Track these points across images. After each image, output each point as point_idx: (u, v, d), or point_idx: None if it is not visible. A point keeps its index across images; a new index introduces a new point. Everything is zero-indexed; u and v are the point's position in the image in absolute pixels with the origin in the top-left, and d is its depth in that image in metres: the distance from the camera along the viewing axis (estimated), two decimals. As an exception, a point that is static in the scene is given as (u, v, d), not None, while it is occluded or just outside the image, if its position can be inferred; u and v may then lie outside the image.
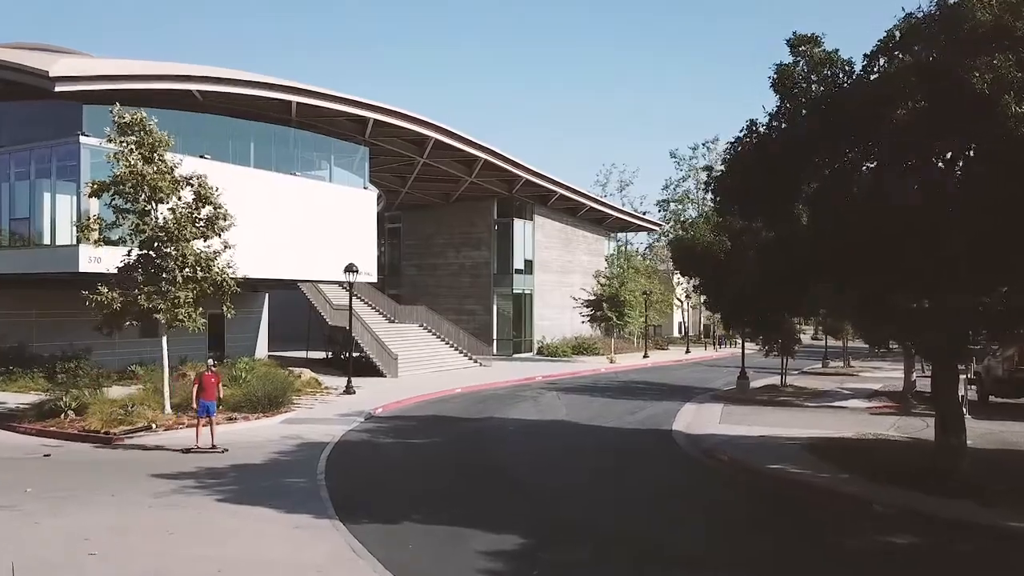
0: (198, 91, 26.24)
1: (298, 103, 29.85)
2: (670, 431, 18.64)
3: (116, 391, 23.40)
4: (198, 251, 19.29)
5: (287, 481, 12.55)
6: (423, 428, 18.78)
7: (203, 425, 15.60)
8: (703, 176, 20.14)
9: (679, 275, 71.31)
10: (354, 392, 24.75)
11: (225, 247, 19.92)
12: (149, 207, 19.24)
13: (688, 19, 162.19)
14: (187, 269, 19.00)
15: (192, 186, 19.55)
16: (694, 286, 23.65)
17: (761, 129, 11.03)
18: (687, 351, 53.81)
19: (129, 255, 19.47)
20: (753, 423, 19.69)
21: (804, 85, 10.55)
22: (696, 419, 20.74)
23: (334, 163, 34.47)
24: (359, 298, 41.14)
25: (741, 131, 11.21)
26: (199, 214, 19.68)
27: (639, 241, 76.33)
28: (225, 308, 20.14)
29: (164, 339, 19.95)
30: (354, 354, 34.09)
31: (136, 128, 18.93)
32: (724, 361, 48.69)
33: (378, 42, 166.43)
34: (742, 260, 16.18)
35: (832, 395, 27.06)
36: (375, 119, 32.85)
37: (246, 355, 33.77)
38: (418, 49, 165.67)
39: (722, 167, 12.79)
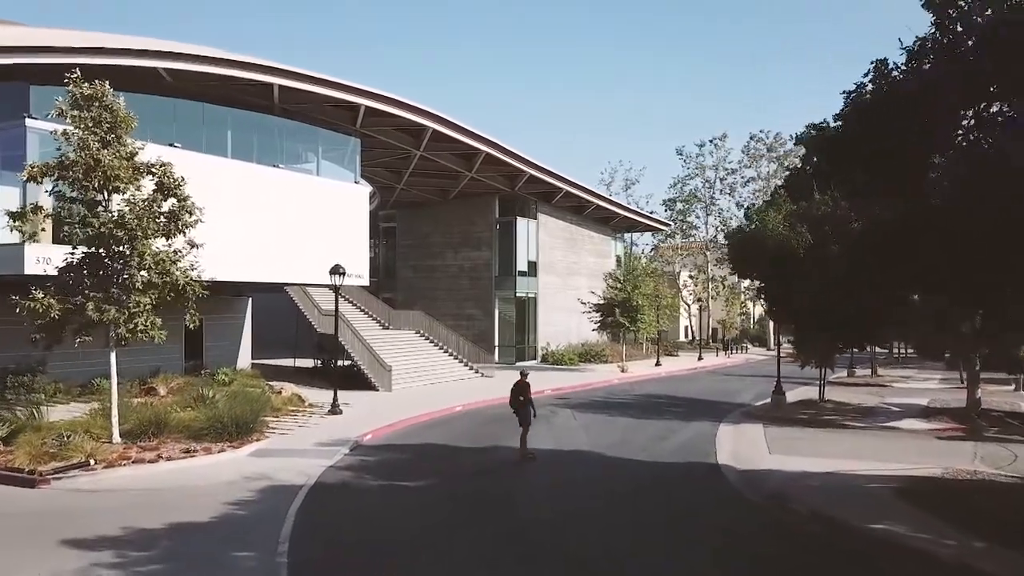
0: (164, 69, 23.14)
1: (280, 86, 26.78)
2: (717, 465, 15.56)
3: (69, 410, 20.37)
4: (157, 251, 16.22)
5: (235, 556, 9.40)
6: (419, 463, 15.64)
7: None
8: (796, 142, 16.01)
9: (682, 275, 68.93)
10: (340, 412, 21.64)
11: (192, 246, 16.88)
12: (101, 197, 16.21)
13: (688, 19, 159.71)
14: (144, 272, 15.94)
15: (154, 175, 16.50)
16: (757, 289, 20.27)
17: (895, 74, 8.04)
18: (699, 358, 50.72)
19: (74, 253, 16.45)
20: (810, 452, 16.66)
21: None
22: (740, 446, 17.70)
23: (322, 155, 31.41)
24: (350, 302, 38.11)
25: (866, 74, 8.19)
26: (160, 208, 16.64)
27: (644, 242, 73.52)
28: (189, 317, 17.06)
29: (113, 354, 16.87)
30: (344, 363, 31.09)
31: (95, 103, 15.86)
32: (740, 369, 45.66)
33: (378, 42, 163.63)
34: (824, 255, 13.12)
35: (880, 413, 24.02)
36: (367, 106, 29.80)
37: (227, 365, 30.75)
38: (418, 49, 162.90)
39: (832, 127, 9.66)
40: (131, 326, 15.55)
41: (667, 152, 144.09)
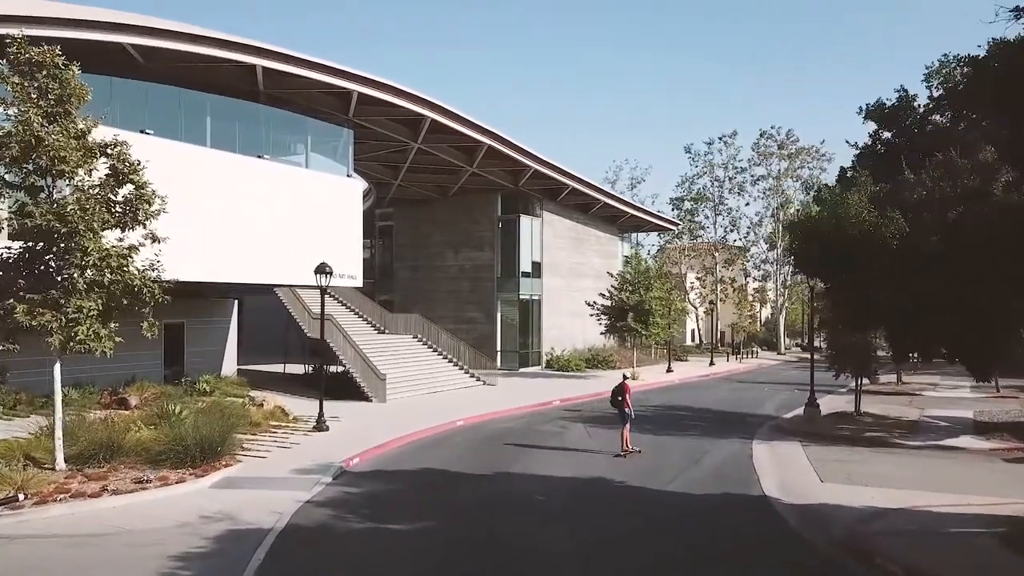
0: (132, 45, 20.84)
1: (264, 68, 24.49)
2: (764, 498, 13.20)
3: (23, 425, 18.00)
4: (107, 246, 13.84)
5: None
6: (412, 497, 13.22)
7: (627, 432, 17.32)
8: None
9: (689, 277, 66.39)
10: (327, 429, 19.27)
11: (152, 240, 14.54)
12: (43, 182, 13.87)
13: (688, 19, 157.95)
14: (90, 270, 13.59)
15: (109, 157, 14.15)
16: (825, 289, 17.61)
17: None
18: (711, 363, 48.38)
19: (10, 248, 14.13)
20: (868, 480, 14.33)
21: None
22: (784, 471, 15.35)
23: (312, 147, 29.10)
24: (344, 305, 35.81)
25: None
26: (115, 195, 14.31)
27: (650, 243, 71.29)
28: (146, 325, 14.64)
29: (57, 365, 14.50)
30: (337, 369, 28.84)
31: (42, 71, 13.53)
32: (755, 375, 43.38)
33: (378, 42, 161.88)
34: (919, 249, 10.70)
35: (928, 429, 21.65)
36: (360, 92, 27.51)
37: (210, 372, 28.49)
38: (417, 49, 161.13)
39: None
40: (72, 333, 13.17)
41: (665, 152, 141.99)
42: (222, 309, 31.11)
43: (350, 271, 29.28)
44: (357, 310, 35.59)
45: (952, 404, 28.23)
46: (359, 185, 31.94)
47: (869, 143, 15.65)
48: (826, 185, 15.31)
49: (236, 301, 31.90)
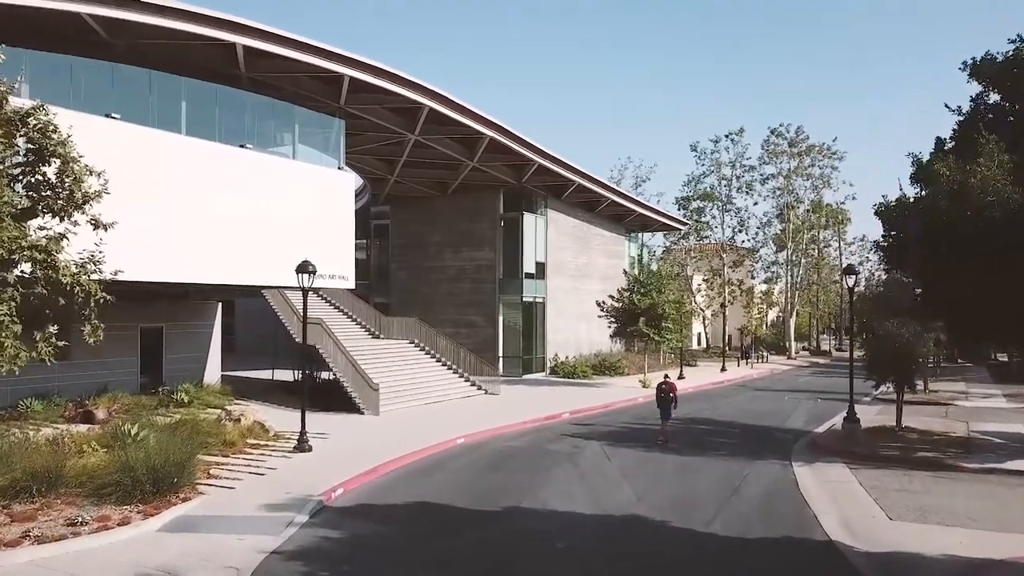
0: (92, 16, 18.57)
1: (245, 48, 22.25)
2: (830, 543, 10.87)
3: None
4: (21, 236, 11.35)
5: None
6: (405, 544, 10.80)
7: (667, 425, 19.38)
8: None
9: (695, 279, 63.93)
10: (310, 449, 16.96)
11: (96, 226, 12.14)
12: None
13: (688, 19, 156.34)
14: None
15: (30, 129, 11.75)
16: (925, 290, 15.07)
17: None
18: (723, 369, 46.12)
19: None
20: (941, 516, 12.08)
21: None
22: (842, 506, 13.06)
23: (300, 137, 26.81)
24: (336, 308, 33.55)
25: None
26: (43, 175, 11.93)
27: (655, 243, 69.02)
28: (88, 329, 12.20)
29: (-19, 381, 12.20)
30: (327, 376, 26.67)
31: None
32: (769, 382, 41.22)
33: (371, 41, 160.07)
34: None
35: (983, 447, 19.36)
36: (352, 77, 25.27)
37: (191, 380, 26.29)
38: (412, 48, 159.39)
39: None
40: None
41: (671, 151, 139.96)
42: (205, 312, 28.90)
43: (341, 271, 27.06)
44: (350, 313, 33.32)
45: (994, 416, 26.00)
46: (351, 179, 29.70)
47: (971, 108, 13.39)
48: (939, 155, 12.89)
49: (220, 304, 29.68)
